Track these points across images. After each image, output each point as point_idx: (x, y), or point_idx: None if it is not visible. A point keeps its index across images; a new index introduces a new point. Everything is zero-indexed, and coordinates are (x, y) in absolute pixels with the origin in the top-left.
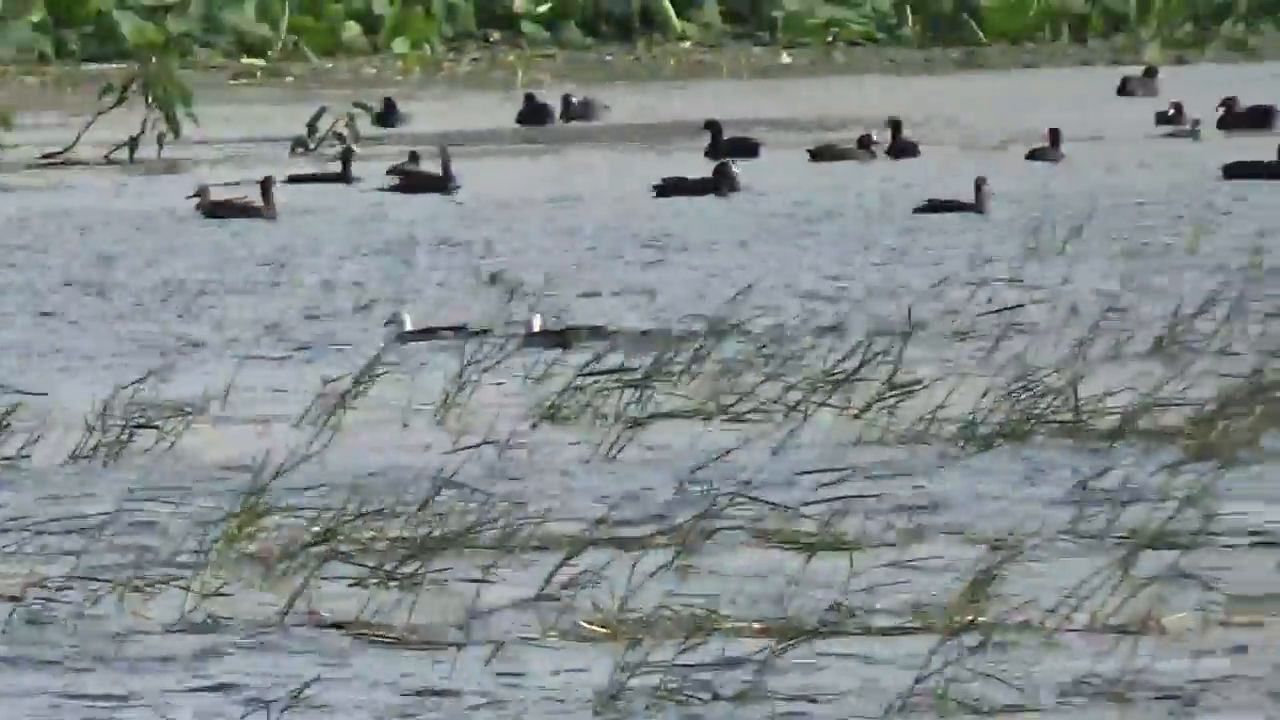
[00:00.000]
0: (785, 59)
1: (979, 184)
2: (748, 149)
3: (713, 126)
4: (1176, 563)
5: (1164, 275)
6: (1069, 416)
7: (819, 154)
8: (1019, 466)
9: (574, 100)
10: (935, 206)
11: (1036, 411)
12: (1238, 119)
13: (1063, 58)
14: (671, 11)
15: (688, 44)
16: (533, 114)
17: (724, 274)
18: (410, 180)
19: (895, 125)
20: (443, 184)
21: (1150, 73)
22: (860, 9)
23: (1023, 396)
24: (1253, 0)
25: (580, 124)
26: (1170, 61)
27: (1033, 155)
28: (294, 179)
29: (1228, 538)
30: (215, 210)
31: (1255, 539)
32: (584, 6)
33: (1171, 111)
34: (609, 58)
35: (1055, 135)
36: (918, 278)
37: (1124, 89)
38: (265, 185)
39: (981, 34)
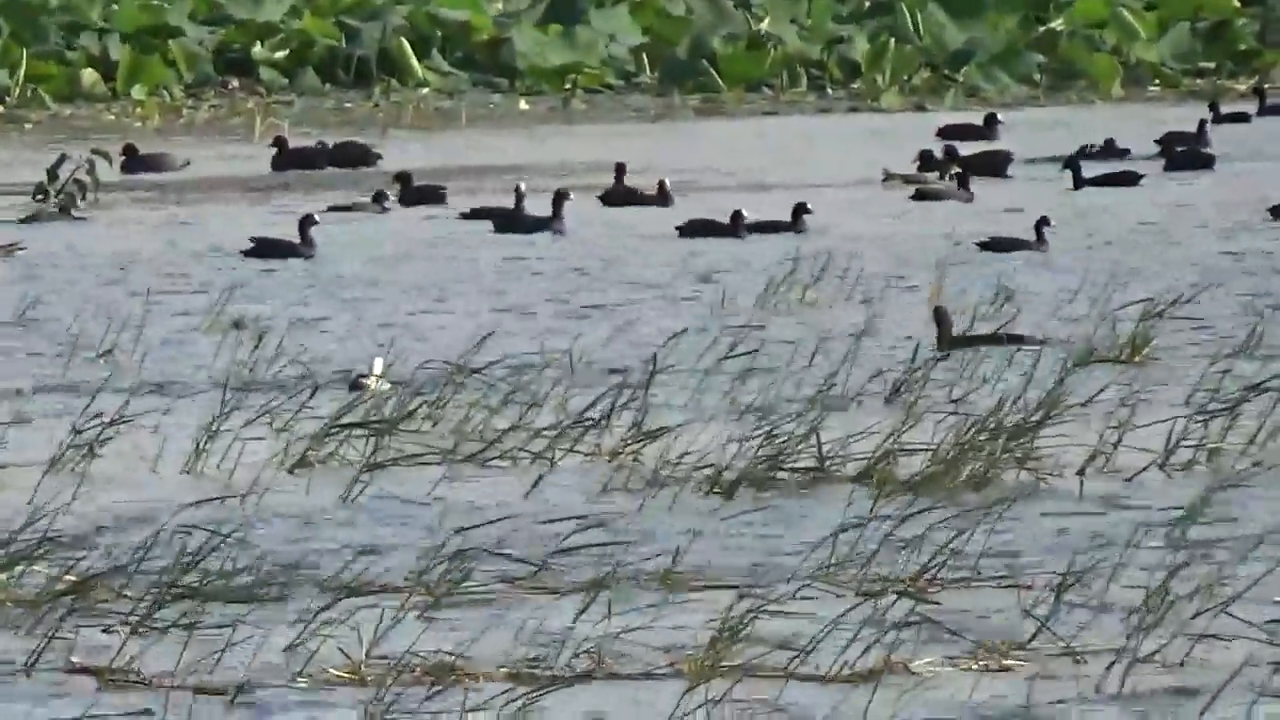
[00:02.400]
0: (524, 106)
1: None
2: (435, 197)
3: (402, 177)
4: (924, 608)
5: (904, 322)
6: (812, 463)
7: (610, 198)
8: (766, 513)
9: (331, 146)
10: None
11: (780, 458)
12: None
13: (802, 105)
14: (414, 58)
15: (426, 91)
16: (290, 160)
17: (469, 319)
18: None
19: (619, 169)
20: (546, 223)
21: (990, 120)
22: (598, 55)
23: (766, 443)
24: (992, 50)
25: (344, 170)
26: (908, 109)
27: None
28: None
29: (973, 582)
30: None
31: (1000, 582)
32: (321, 53)
33: (918, 161)
34: (348, 105)
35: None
36: (665, 320)
37: (953, 134)
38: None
39: (720, 81)
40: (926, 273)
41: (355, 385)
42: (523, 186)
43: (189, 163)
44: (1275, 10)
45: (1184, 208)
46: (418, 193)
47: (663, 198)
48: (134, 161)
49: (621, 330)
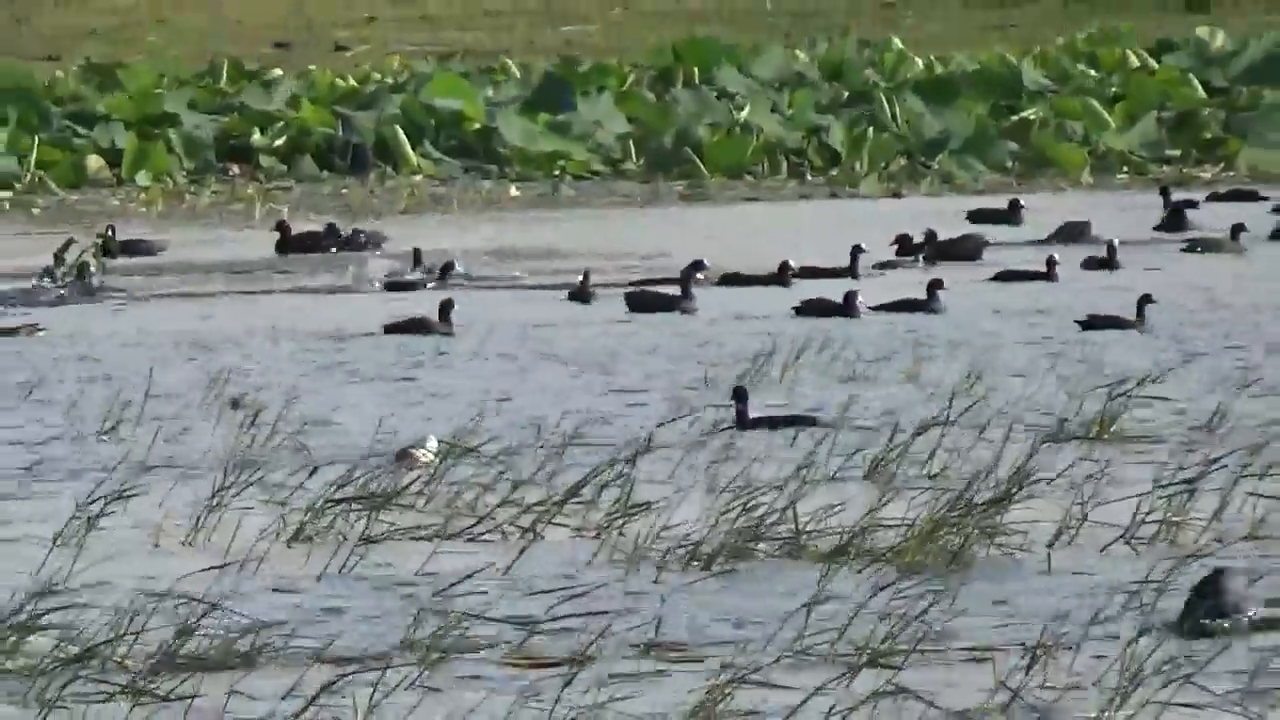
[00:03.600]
0: (514, 192)
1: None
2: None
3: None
4: (897, 679)
5: (881, 401)
6: (789, 535)
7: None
8: (744, 586)
9: (343, 232)
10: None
11: (759, 531)
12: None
13: (783, 191)
14: (408, 146)
15: (419, 178)
16: (295, 244)
17: (458, 397)
18: (645, 299)
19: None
20: (678, 301)
21: (1014, 205)
22: (585, 143)
23: (744, 516)
24: (965, 138)
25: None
26: (886, 195)
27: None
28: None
29: (945, 654)
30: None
31: (971, 654)
32: (318, 141)
33: (896, 245)
34: (344, 191)
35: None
36: (650, 399)
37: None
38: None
39: (703, 168)
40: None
41: (402, 456)
42: (589, 273)
43: (165, 247)
44: (1239, 99)
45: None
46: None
47: (780, 277)
48: (131, 245)
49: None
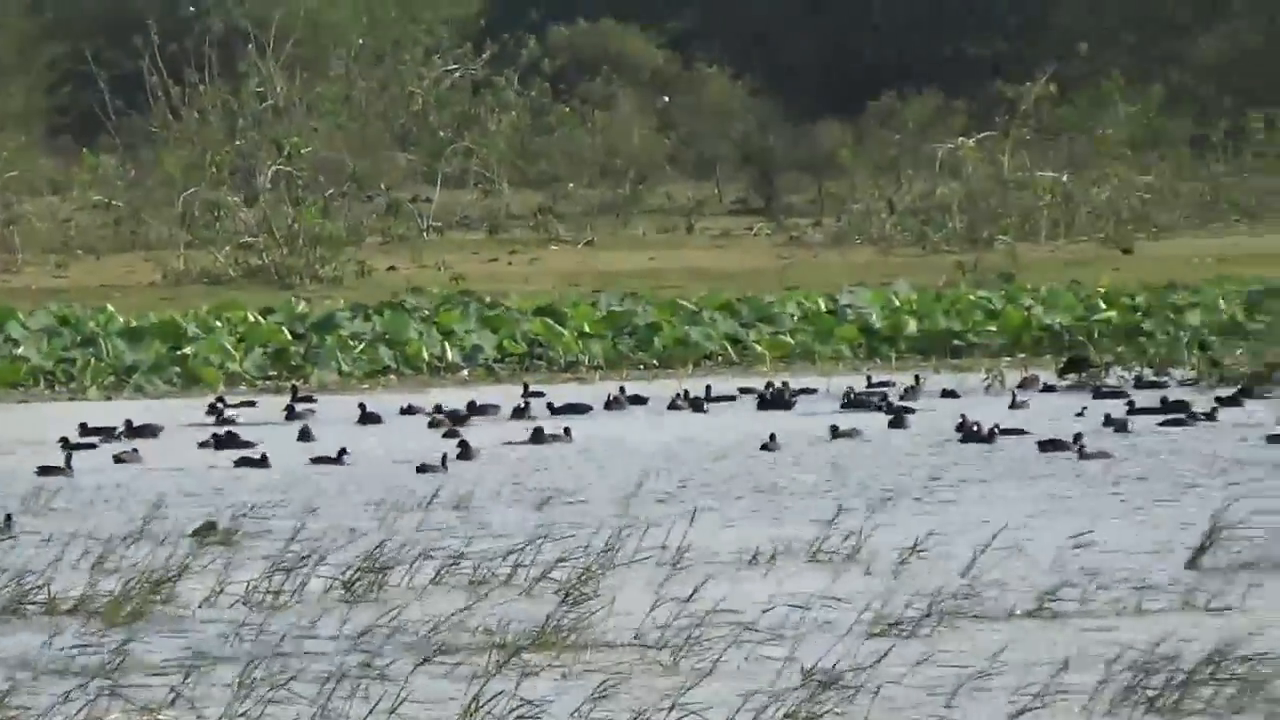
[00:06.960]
0: None
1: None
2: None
3: None
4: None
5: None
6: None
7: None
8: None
9: None
10: None
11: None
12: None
13: (43, 396)
14: None
15: None
16: None
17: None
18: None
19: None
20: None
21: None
22: None
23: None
24: (149, 364)
25: None
26: (103, 399)
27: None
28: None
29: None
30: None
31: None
32: None
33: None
34: None
35: None
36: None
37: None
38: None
39: None
40: None
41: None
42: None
43: None
44: (312, 341)
45: None
46: None
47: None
48: None
49: None
